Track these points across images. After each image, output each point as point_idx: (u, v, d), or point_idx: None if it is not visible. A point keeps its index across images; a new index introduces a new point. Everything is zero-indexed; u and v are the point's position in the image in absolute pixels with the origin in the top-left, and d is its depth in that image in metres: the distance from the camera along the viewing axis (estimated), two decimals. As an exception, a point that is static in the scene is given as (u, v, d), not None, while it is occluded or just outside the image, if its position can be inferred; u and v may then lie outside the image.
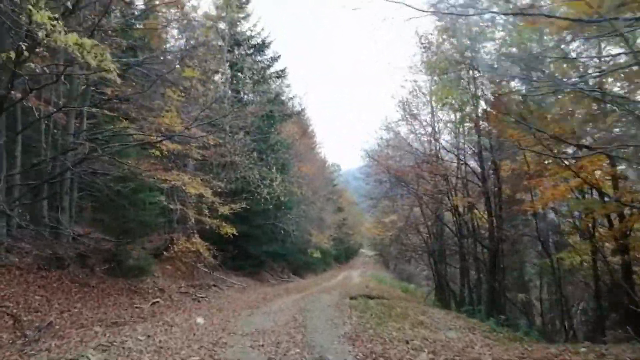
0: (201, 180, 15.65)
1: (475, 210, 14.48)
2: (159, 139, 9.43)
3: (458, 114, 14.61)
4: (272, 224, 20.21)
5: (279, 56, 23.16)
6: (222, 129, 18.46)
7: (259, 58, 22.99)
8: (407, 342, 6.42)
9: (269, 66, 23.22)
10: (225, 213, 16.29)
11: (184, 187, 14.76)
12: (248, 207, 17.59)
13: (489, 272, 12.79)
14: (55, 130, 9.81)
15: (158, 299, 10.29)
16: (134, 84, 12.72)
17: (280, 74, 23.33)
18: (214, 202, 16.24)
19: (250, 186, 18.84)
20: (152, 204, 11.37)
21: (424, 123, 16.10)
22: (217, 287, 14.00)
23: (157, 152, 14.03)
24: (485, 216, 13.42)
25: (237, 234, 16.78)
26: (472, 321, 9.71)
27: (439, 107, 15.02)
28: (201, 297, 12.06)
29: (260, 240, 20.58)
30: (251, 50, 22.74)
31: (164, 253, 13.79)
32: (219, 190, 17.39)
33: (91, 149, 8.35)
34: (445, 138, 16.32)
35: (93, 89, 11.75)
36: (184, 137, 12.79)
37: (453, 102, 13.40)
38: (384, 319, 8.89)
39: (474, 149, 13.76)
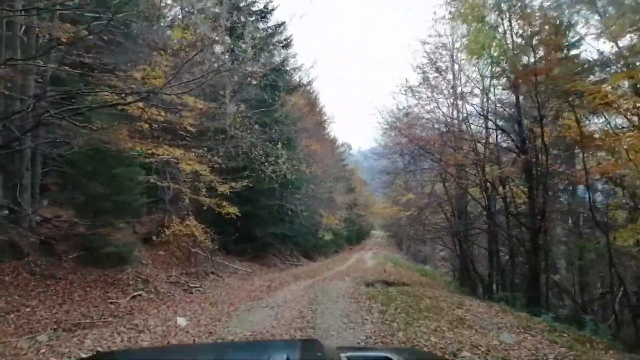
0: (196, 155, 13.98)
1: (510, 185, 12.57)
2: (132, 98, 7.65)
3: (489, 73, 12.64)
4: (278, 204, 18.52)
5: (283, 23, 21.15)
6: (221, 101, 16.70)
7: (261, 25, 21.00)
8: (455, 355, 4.70)
9: (272, 34, 21.23)
10: (226, 192, 14.65)
11: (176, 163, 13.13)
12: (251, 185, 15.92)
13: (529, 253, 10.98)
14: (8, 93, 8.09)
15: (140, 292, 8.70)
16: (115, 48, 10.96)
17: (285, 43, 21.33)
18: (212, 181, 14.60)
19: (253, 163, 17.14)
20: (132, 181, 9.68)
21: (448, 84, 14.09)
22: (215, 274, 12.41)
23: (146, 125, 12.39)
24: (522, 190, 11.57)
25: (239, 214, 15.18)
26: (521, 315, 7.95)
27: (470, 60, 13.01)
28: (195, 287, 10.47)
29: (266, 221, 18.94)
30: (253, 17, 20.74)
31: (155, 238, 12.17)
32: (218, 167, 15.76)
33: (42, 110, 6.63)
34: (473, 101, 14.26)
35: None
36: (171, 103, 11.05)
37: (488, 53, 11.36)
38: (413, 315, 7.18)
39: (509, 111, 11.76)
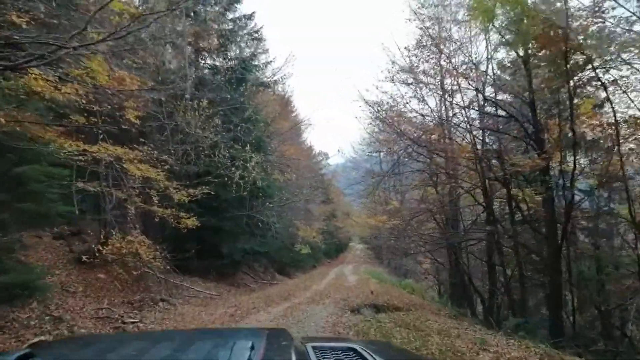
0: (147, 156, 11.63)
1: (522, 186, 10.61)
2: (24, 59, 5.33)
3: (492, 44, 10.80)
4: (247, 214, 16.19)
5: (252, 13, 19.09)
6: (178, 94, 14.40)
7: (229, 16, 18.87)
8: None
9: (239, 27, 19.10)
10: (182, 201, 12.29)
11: (121, 166, 10.76)
12: (213, 193, 13.63)
13: (548, 267, 8.98)
14: None
15: (45, 336, 6.28)
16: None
17: (255, 35, 19.21)
18: (167, 187, 12.25)
19: (218, 168, 14.85)
20: (43, 183, 7.27)
21: (440, 66, 12.04)
22: (167, 301, 9.99)
23: (82, 119, 10.01)
24: (536, 191, 9.68)
25: (198, 226, 12.83)
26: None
27: (471, 28, 11.15)
28: (132, 322, 8.05)
29: (234, 235, 16.58)
30: (218, 7, 18.61)
31: (86, 258, 9.68)
32: (176, 171, 13.45)
33: None
34: (470, 84, 12.15)
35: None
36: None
37: (494, 17, 9.40)
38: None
39: (523, 97, 9.85)
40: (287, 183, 21.97)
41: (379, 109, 12.97)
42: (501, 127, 10.87)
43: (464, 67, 11.50)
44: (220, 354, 1.27)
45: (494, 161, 11.47)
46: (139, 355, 1.42)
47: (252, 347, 1.29)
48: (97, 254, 9.90)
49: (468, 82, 10.80)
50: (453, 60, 11.76)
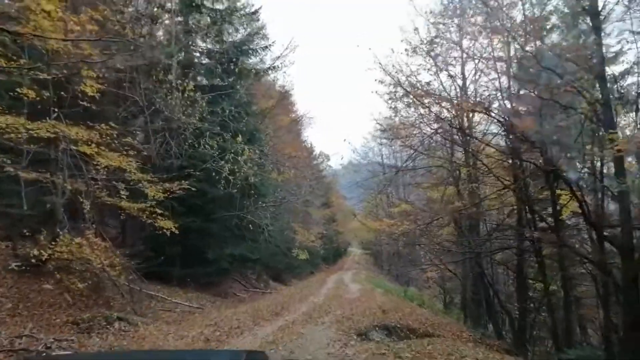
0: (117, 142, 9.75)
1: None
2: None
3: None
4: (237, 215, 14.19)
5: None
6: (159, 74, 12.48)
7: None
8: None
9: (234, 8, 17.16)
10: (156, 197, 10.35)
11: (75, 150, 8.85)
12: (196, 189, 11.74)
13: (626, 289, 6.98)
14: None
15: None
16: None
17: (252, 16, 17.29)
18: (139, 180, 10.36)
19: (205, 161, 12.94)
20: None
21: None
22: (125, 320, 7.94)
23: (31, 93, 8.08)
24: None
25: (176, 228, 10.88)
26: None
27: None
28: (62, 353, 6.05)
29: (221, 238, 14.62)
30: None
31: (18, 265, 7.70)
32: (150, 161, 11.59)
33: None
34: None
35: None
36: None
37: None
38: None
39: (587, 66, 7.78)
40: (284, 183, 20.03)
41: (399, 77, 10.90)
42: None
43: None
44: None
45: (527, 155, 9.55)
46: None
47: None
48: (41, 260, 7.91)
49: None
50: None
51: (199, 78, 15.24)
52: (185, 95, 12.10)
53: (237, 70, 15.57)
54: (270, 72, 17.96)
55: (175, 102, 11.94)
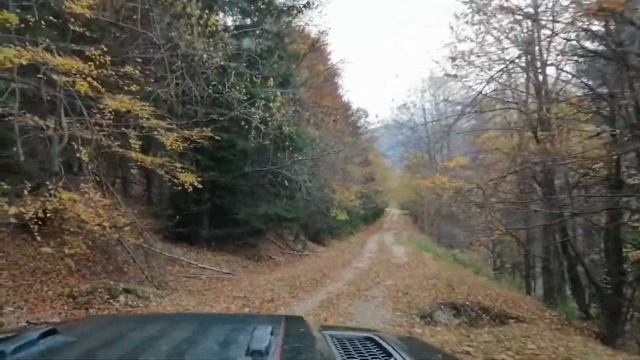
0: (120, 81, 8.13)
1: None
2: None
3: None
4: (270, 170, 12.54)
5: None
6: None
7: None
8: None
9: None
10: (175, 146, 8.77)
11: (73, 89, 7.31)
12: (221, 139, 10.11)
13: None
14: None
15: None
16: None
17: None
18: (154, 128, 8.83)
19: (230, 109, 11.22)
20: None
21: None
22: (134, 293, 6.49)
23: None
24: None
25: (200, 184, 9.31)
26: None
27: None
28: None
29: (253, 196, 13.09)
30: None
31: (13, 222, 6.37)
32: (170, 106, 10.02)
33: None
34: None
35: None
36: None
37: None
38: None
39: None
40: (321, 138, 18.15)
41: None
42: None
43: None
44: (240, 337, 1.26)
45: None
46: (159, 336, 1.39)
47: (272, 333, 1.22)
48: (40, 219, 6.53)
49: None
50: None
51: (221, 14, 13.31)
52: (207, 30, 10.26)
53: (265, 5, 13.48)
54: (304, 10, 15.71)
55: (196, 38, 10.13)
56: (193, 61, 10.10)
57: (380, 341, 1.47)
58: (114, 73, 7.34)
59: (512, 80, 11.31)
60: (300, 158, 12.24)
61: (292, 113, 12.98)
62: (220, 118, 10.24)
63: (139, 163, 8.39)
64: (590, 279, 9.21)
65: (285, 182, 12.17)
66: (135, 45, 10.19)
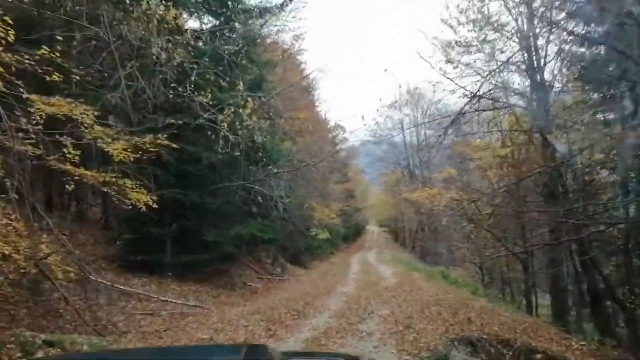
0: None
1: None
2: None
3: None
4: (241, 186, 11.09)
5: None
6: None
7: None
8: None
9: None
10: (122, 158, 7.28)
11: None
12: (183, 152, 8.69)
13: None
14: None
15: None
16: None
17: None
18: (96, 137, 7.37)
19: (195, 116, 9.85)
20: None
21: None
22: (59, 345, 4.85)
23: None
24: None
25: (157, 205, 7.80)
26: None
27: None
28: None
29: (223, 215, 11.57)
30: None
31: None
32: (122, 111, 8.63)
33: None
34: None
35: None
36: None
37: None
38: None
39: None
40: (297, 153, 16.79)
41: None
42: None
43: None
44: None
45: None
46: None
47: None
48: None
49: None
50: None
51: (184, 15, 11.99)
52: (167, 26, 8.89)
53: (234, 5, 12.23)
54: (277, 12, 14.52)
55: (150, 33, 8.73)
56: (147, 58, 8.68)
57: None
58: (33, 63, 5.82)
59: (511, 80, 10.29)
60: (276, 171, 10.81)
61: (266, 122, 11.68)
62: (179, 122, 8.76)
63: (75, 178, 6.80)
64: (614, 298, 8.04)
65: (259, 198, 10.69)
66: (80, 41, 8.74)
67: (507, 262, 19.05)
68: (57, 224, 10.80)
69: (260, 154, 10.70)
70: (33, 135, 6.47)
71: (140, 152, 7.61)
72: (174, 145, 8.29)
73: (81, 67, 8.09)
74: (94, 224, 13.29)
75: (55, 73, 6.02)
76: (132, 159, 7.49)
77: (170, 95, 9.15)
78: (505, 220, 12.23)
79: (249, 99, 10.43)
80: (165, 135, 7.87)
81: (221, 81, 10.50)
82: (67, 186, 6.59)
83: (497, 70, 8.85)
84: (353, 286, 12.33)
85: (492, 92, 9.12)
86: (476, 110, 8.52)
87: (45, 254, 5.30)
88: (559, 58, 9.47)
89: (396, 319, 7.05)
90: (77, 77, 7.79)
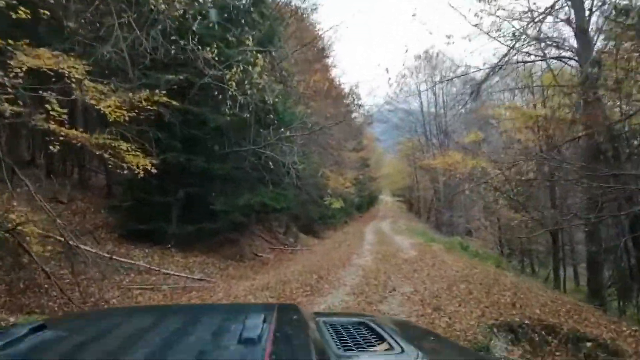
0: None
1: None
2: None
3: None
4: (251, 150, 10.28)
5: None
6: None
7: None
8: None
9: None
10: (116, 117, 6.49)
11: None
12: (188, 113, 7.87)
13: None
14: None
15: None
16: None
17: None
18: (87, 89, 6.59)
19: (199, 75, 8.98)
20: None
21: None
22: None
23: None
24: None
25: (152, 167, 7.06)
26: None
27: None
28: None
29: (232, 182, 10.84)
30: None
31: None
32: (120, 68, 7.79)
33: None
34: None
35: None
36: None
37: None
38: None
39: None
40: (310, 115, 15.79)
41: None
42: None
43: None
44: (232, 326, 1.24)
45: None
46: (150, 328, 1.36)
47: (264, 321, 1.22)
48: None
49: None
50: None
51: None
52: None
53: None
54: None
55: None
56: (145, 6, 7.72)
57: (374, 325, 1.49)
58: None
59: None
60: (289, 134, 9.91)
61: (278, 83, 10.75)
62: (180, 78, 7.90)
63: (62, 140, 6.03)
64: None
65: (270, 164, 9.86)
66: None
67: (527, 233, 18.29)
68: (57, 190, 10.27)
69: (272, 116, 9.80)
70: (11, 90, 5.71)
71: (136, 111, 6.81)
72: (174, 103, 7.46)
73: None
74: (97, 191, 12.73)
75: (22, 8, 5.14)
76: (127, 118, 6.72)
77: (172, 50, 8.24)
78: (535, 189, 11.31)
79: (259, 56, 9.49)
80: (164, 92, 6.99)
81: (228, 36, 9.56)
82: (51, 147, 5.79)
83: (540, 17, 7.70)
84: (370, 258, 11.62)
85: (533, 43, 8.01)
86: (518, 62, 7.46)
87: (15, 224, 4.60)
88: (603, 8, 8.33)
89: (422, 298, 6.31)
90: (69, 27, 7.02)
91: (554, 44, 8.58)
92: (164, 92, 6.97)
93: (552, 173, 8.46)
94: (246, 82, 9.14)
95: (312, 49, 20.23)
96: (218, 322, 1.41)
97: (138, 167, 7.08)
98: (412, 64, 36.52)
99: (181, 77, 8.20)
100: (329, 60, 28.00)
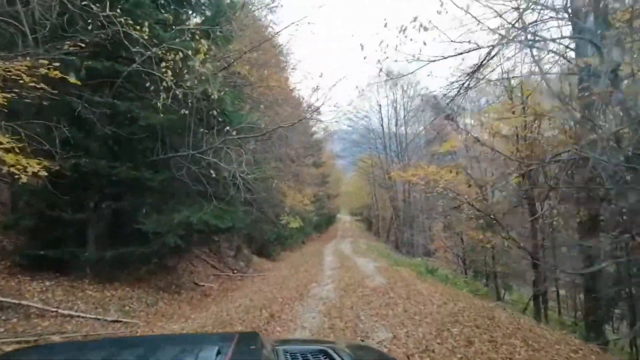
0: None
1: None
2: None
3: None
4: (190, 156, 8.41)
5: None
6: None
7: None
8: None
9: None
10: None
11: None
12: (111, 108, 6.01)
13: None
14: None
15: None
16: None
17: None
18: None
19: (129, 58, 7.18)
20: None
21: None
22: None
23: None
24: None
25: (43, 169, 5.09)
26: None
27: None
28: None
29: (166, 195, 8.89)
30: None
31: None
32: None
33: None
34: None
35: None
36: None
37: None
38: None
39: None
40: (268, 124, 14.03)
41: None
42: None
43: None
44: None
45: None
46: None
47: (219, 352, 1.25)
48: None
49: None
50: None
51: None
52: None
53: None
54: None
55: None
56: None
57: (333, 353, 1.49)
58: None
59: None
60: (235, 135, 8.08)
61: (226, 77, 9.01)
62: (84, 42, 6.02)
63: None
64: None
65: (212, 173, 8.00)
66: None
67: (493, 255, 17.26)
68: None
69: (216, 113, 7.98)
70: None
71: (15, 90, 4.86)
72: (72, 81, 5.52)
73: None
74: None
75: None
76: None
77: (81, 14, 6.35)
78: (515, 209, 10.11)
79: (203, 41, 7.72)
80: (57, 64, 5.09)
81: (164, 13, 7.79)
82: None
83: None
84: (332, 286, 9.90)
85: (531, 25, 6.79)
86: (521, 41, 6.16)
87: None
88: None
89: (407, 352, 4.65)
90: None
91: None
92: (56, 64, 5.06)
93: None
94: (185, 71, 7.39)
95: (268, 53, 18.62)
96: (172, 354, 1.38)
97: (25, 172, 5.13)
98: (374, 79, 35.87)
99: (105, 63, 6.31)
100: (289, 63, 26.49)
